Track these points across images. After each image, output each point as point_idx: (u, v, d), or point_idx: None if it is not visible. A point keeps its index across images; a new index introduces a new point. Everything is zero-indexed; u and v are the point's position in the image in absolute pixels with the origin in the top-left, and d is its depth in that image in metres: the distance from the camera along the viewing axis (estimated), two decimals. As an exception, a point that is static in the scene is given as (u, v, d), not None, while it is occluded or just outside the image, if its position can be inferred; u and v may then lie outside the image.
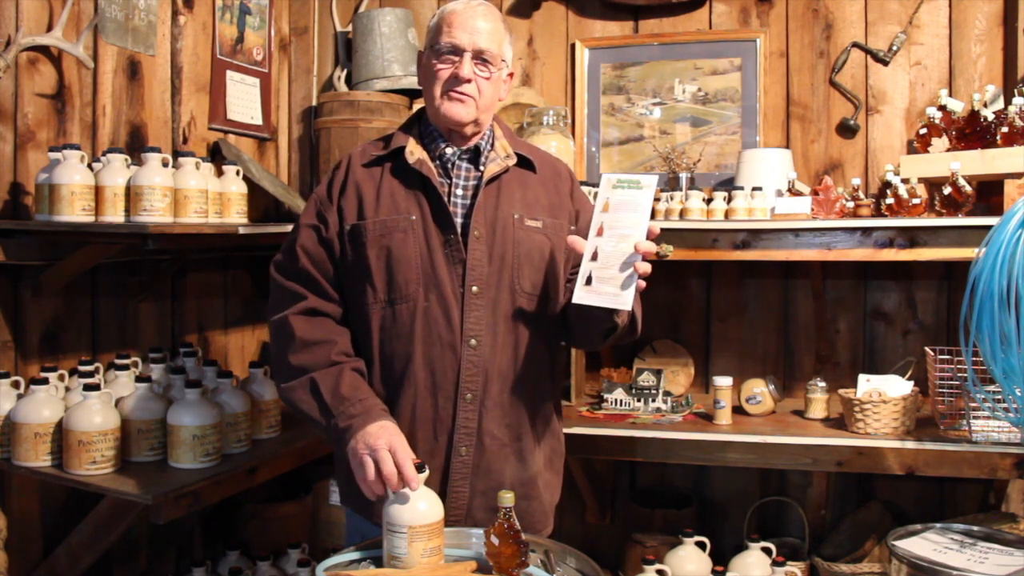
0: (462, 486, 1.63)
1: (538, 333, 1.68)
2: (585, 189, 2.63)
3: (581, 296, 1.52)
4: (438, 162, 1.68)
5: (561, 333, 1.75)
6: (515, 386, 1.65)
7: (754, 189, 2.59)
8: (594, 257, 1.53)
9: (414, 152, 1.67)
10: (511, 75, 1.75)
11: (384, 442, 1.46)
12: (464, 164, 1.69)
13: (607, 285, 1.51)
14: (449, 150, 1.68)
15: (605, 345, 1.72)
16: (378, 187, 1.66)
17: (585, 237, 1.56)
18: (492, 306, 1.63)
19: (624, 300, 1.50)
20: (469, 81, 1.62)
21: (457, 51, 1.62)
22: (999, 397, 1.97)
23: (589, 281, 1.52)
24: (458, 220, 1.64)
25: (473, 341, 1.61)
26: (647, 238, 1.51)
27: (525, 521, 1.66)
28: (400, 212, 1.63)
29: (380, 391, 1.64)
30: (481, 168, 1.69)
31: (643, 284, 1.52)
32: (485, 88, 1.65)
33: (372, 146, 1.74)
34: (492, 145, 1.72)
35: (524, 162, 1.73)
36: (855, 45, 2.92)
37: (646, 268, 1.50)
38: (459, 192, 1.67)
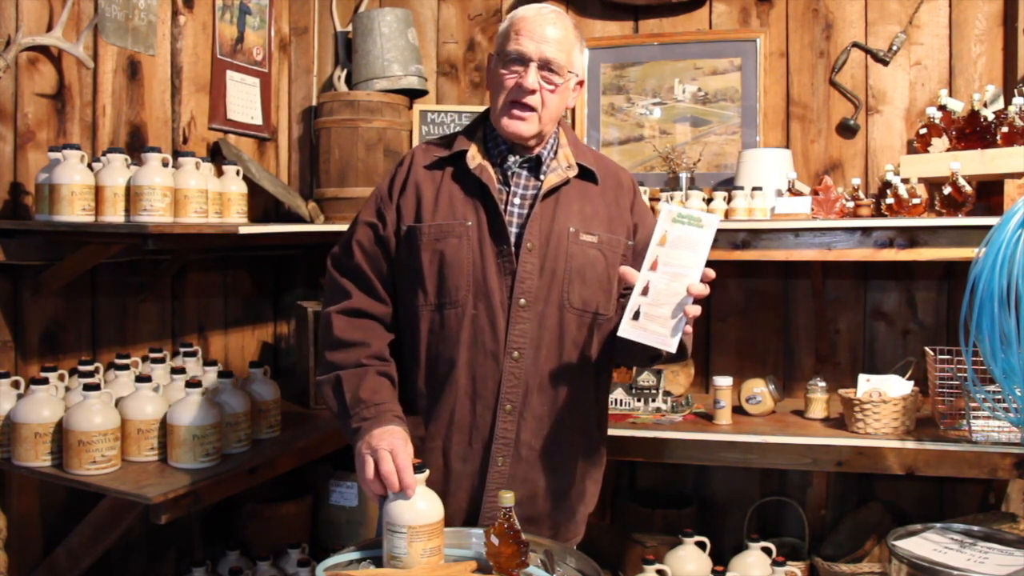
0: (497, 495, 1.62)
1: (584, 349, 1.66)
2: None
3: (627, 331, 1.49)
4: (499, 169, 1.67)
5: (610, 350, 1.72)
6: (556, 400, 1.65)
7: (754, 189, 2.59)
8: (645, 292, 1.49)
9: (475, 157, 1.65)
10: (581, 83, 1.71)
11: (386, 443, 1.46)
12: (524, 173, 1.67)
13: (655, 323, 1.48)
14: (511, 157, 1.67)
15: (651, 367, 1.72)
16: (437, 189, 1.65)
17: (643, 251, 1.53)
18: (539, 320, 1.61)
19: (671, 343, 1.47)
20: (534, 92, 1.59)
21: (523, 60, 1.59)
22: (999, 397, 1.97)
23: (637, 316, 1.49)
24: (513, 230, 1.62)
25: (516, 353, 1.60)
26: (702, 280, 1.48)
27: (557, 531, 1.68)
28: (456, 217, 1.62)
29: (423, 392, 1.65)
30: (541, 178, 1.66)
31: (690, 329, 1.50)
32: (550, 100, 1.62)
33: (435, 147, 1.72)
34: (555, 153, 1.69)
35: (586, 172, 1.70)
36: (855, 45, 2.92)
37: (696, 311, 1.47)
38: (516, 201, 1.65)
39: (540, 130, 1.64)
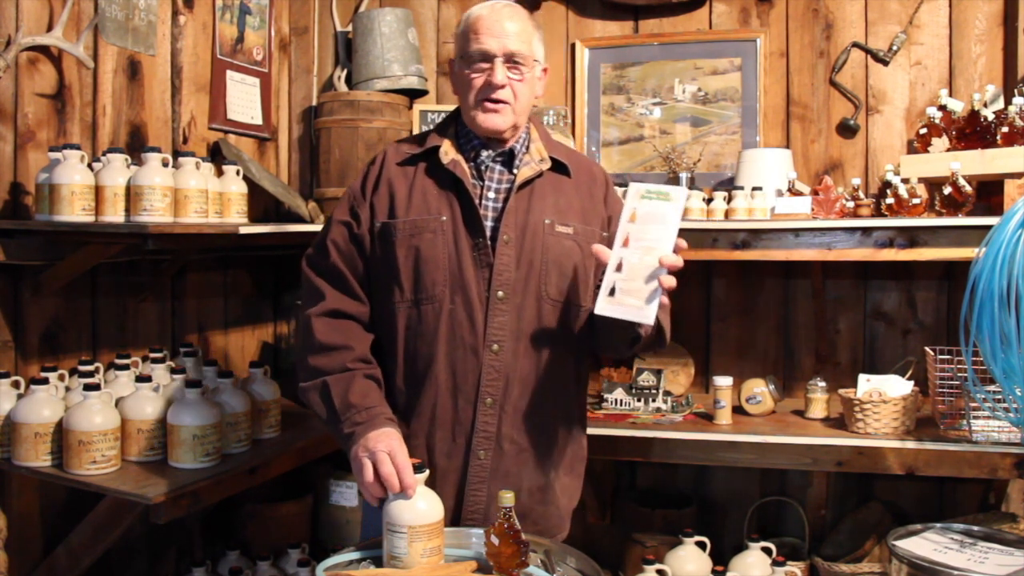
0: (480, 490, 1.62)
1: (563, 340, 1.67)
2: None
3: (603, 307, 1.51)
4: (472, 164, 1.67)
5: (589, 341, 1.73)
6: (536, 392, 1.65)
7: (754, 189, 2.59)
8: (619, 268, 1.51)
9: (448, 152, 1.66)
10: (545, 70, 1.73)
11: (383, 446, 1.46)
12: (497, 167, 1.68)
13: (631, 297, 1.49)
14: (484, 152, 1.67)
15: (631, 353, 1.71)
16: (411, 186, 1.66)
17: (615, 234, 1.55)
18: (517, 312, 1.62)
19: (647, 314, 1.48)
20: (504, 87, 1.61)
21: (488, 57, 1.61)
22: (999, 397, 1.97)
23: (612, 292, 1.50)
24: (488, 224, 1.63)
25: (495, 346, 1.60)
26: (674, 251, 1.49)
27: (541, 525, 1.67)
28: (431, 212, 1.63)
29: (402, 389, 1.65)
30: (514, 171, 1.67)
31: (666, 300, 1.52)
32: (520, 91, 1.63)
33: (407, 144, 1.73)
34: (527, 148, 1.70)
35: (559, 166, 1.71)
36: (855, 45, 2.92)
37: (671, 282, 1.48)
38: (491, 195, 1.66)
39: (515, 121, 1.65)
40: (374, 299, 1.68)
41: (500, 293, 1.60)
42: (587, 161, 1.81)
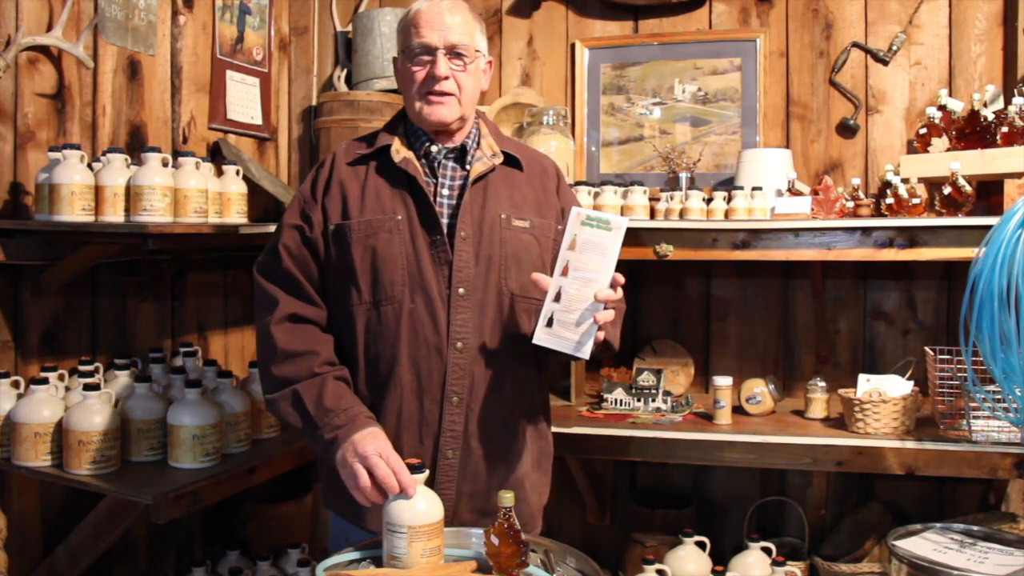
0: (448, 488, 1.62)
1: (525, 335, 1.66)
2: (583, 189, 2.64)
3: (541, 338, 1.51)
4: (424, 161, 1.67)
5: None
6: (502, 389, 1.64)
7: (754, 189, 2.59)
8: (557, 298, 1.50)
9: (400, 151, 1.65)
10: (490, 63, 1.73)
11: (373, 448, 1.45)
12: (450, 163, 1.68)
13: (567, 330, 1.50)
14: (434, 148, 1.67)
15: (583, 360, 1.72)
16: (363, 186, 1.64)
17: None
18: (479, 308, 1.61)
19: (583, 350, 1.49)
20: (447, 78, 1.61)
21: (429, 50, 1.61)
22: (999, 397, 1.97)
23: (550, 323, 1.51)
24: (444, 220, 1.62)
25: (459, 344, 1.59)
26: (611, 285, 1.49)
27: None
28: (385, 212, 1.62)
29: (365, 393, 1.63)
30: (467, 167, 1.67)
31: (601, 336, 1.52)
32: (464, 82, 1.63)
33: (357, 144, 1.72)
34: (478, 143, 1.70)
35: (511, 160, 1.71)
36: (855, 45, 2.92)
37: (607, 317, 1.49)
38: (445, 192, 1.65)
39: (461, 113, 1.64)
40: (331, 303, 1.66)
41: (461, 290, 1.59)
42: (537, 155, 1.81)
